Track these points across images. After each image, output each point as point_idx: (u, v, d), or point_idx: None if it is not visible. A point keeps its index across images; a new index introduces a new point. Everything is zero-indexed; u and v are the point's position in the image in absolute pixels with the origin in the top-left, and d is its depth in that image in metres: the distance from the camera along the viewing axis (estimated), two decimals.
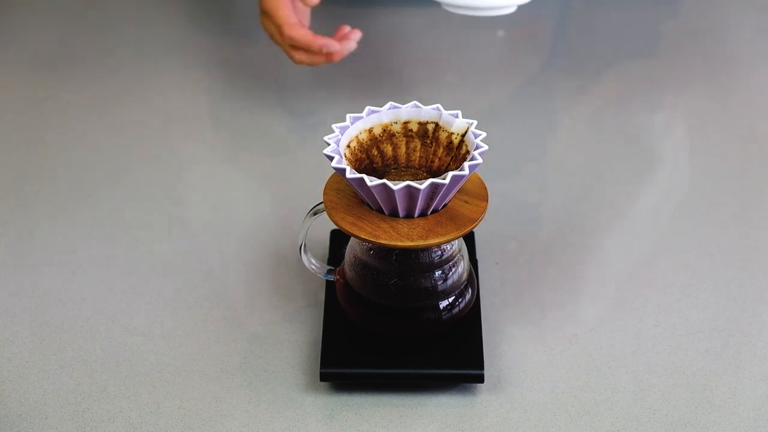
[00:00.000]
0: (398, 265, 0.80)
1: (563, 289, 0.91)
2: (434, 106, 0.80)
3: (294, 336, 0.86)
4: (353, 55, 1.21)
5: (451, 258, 0.81)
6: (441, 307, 0.81)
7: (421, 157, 0.80)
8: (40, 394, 0.82)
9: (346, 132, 0.78)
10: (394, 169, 0.81)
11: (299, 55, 1.04)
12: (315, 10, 1.14)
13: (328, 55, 1.03)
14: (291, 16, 1.03)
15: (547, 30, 1.27)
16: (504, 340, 0.85)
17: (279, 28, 1.02)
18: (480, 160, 0.75)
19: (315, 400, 0.81)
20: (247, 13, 1.28)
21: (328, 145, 0.76)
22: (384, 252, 0.79)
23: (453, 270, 0.81)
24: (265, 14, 1.05)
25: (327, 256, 0.90)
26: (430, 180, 0.73)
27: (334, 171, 0.80)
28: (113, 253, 0.94)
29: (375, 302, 0.81)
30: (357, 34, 1.04)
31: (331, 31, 1.06)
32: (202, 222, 0.98)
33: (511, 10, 0.98)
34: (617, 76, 1.18)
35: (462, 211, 0.77)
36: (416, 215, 0.76)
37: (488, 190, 0.79)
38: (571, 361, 0.84)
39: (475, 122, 0.79)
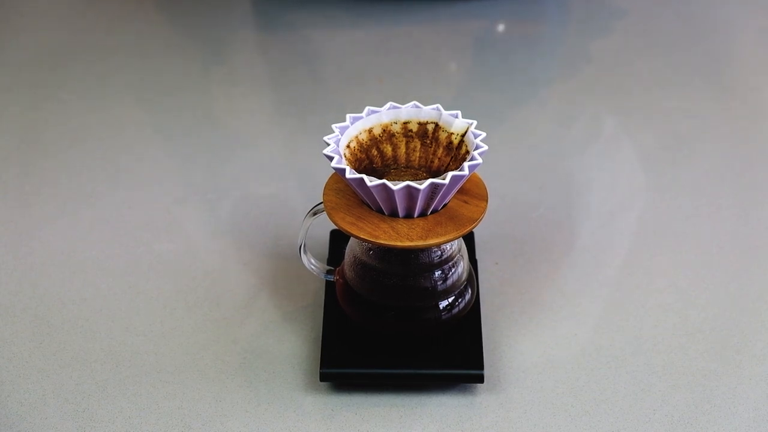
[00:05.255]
0: (398, 266, 0.80)
1: (563, 289, 0.91)
2: (434, 106, 0.80)
3: (294, 336, 0.86)
4: (353, 55, 1.21)
5: (450, 258, 0.81)
6: (441, 307, 0.81)
7: (420, 157, 0.80)
8: (40, 394, 0.82)
9: (346, 132, 0.78)
10: (393, 169, 0.81)
11: None
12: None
13: None
14: None
15: (547, 27, 1.27)
16: (504, 340, 0.85)
17: None
18: (480, 160, 0.75)
19: (315, 400, 0.81)
20: (247, 13, 1.28)
21: (328, 145, 0.76)
22: (383, 252, 0.79)
23: (453, 270, 0.81)
24: None
25: (327, 256, 0.90)
26: (430, 180, 0.73)
27: (334, 171, 0.80)
28: (113, 253, 0.94)
29: (375, 302, 0.81)
30: None
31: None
32: (202, 222, 0.98)
33: None
34: (617, 76, 1.18)
35: (462, 211, 0.77)
36: (416, 215, 0.76)
37: (488, 190, 0.79)
38: (571, 361, 0.84)
39: (475, 122, 0.79)
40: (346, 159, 0.77)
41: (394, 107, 0.80)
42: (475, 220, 0.77)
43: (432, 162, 0.80)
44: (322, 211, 0.80)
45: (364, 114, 0.80)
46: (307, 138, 1.08)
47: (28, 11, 1.29)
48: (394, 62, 1.20)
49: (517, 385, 0.82)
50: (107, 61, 1.20)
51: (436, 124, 0.80)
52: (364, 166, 0.79)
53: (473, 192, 0.79)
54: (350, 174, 0.74)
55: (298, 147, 1.08)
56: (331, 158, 0.75)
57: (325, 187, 0.80)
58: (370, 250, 0.80)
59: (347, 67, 1.14)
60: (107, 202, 1.00)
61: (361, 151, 0.79)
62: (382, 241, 0.75)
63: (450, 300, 0.81)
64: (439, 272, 0.80)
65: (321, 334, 0.83)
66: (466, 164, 0.74)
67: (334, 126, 0.78)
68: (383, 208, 0.76)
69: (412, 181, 0.74)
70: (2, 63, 1.21)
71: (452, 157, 0.79)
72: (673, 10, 1.20)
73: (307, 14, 1.27)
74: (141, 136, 1.09)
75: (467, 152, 0.78)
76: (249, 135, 1.10)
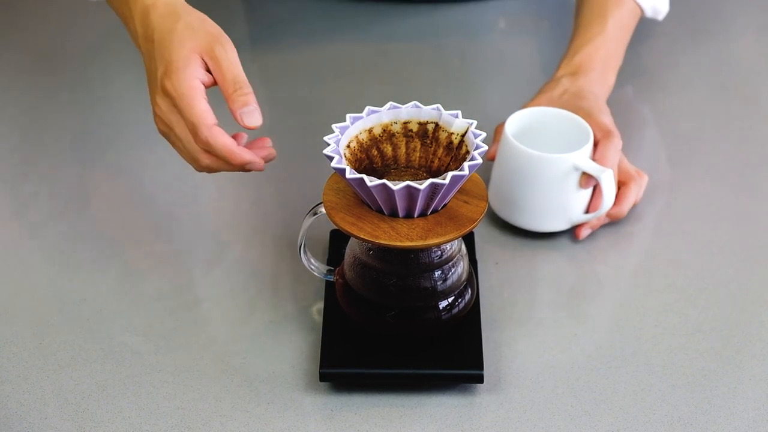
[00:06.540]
0: (398, 265, 0.80)
1: (563, 289, 0.91)
2: (434, 106, 0.80)
3: (294, 336, 0.86)
4: (353, 55, 1.21)
5: (450, 258, 0.81)
6: (441, 307, 0.81)
7: (420, 157, 0.80)
8: (40, 394, 0.82)
9: (346, 132, 0.78)
10: (394, 169, 0.81)
11: (206, 161, 0.82)
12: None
13: (246, 167, 0.83)
14: (210, 114, 0.81)
15: (547, 27, 1.27)
16: (504, 340, 0.85)
17: (193, 127, 0.80)
18: (480, 160, 0.75)
19: (315, 400, 0.81)
20: (246, 13, 1.28)
21: (328, 145, 0.76)
22: (383, 252, 0.79)
23: (453, 270, 0.81)
24: (168, 97, 0.82)
25: (327, 256, 0.90)
26: (430, 180, 0.73)
27: (334, 171, 0.80)
28: (113, 253, 0.94)
29: (375, 302, 0.81)
30: (269, 141, 0.86)
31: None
32: (201, 222, 0.98)
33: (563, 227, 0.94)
34: (617, 76, 1.18)
35: (462, 211, 0.77)
36: (416, 215, 0.76)
37: (488, 191, 0.79)
38: (571, 361, 0.84)
39: (475, 122, 0.79)
40: (346, 159, 0.77)
41: (394, 107, 0.80)
42: (475, 220, 0.77)
43: (432, 162, 0.80)
44: (322, 211, 0.80)
45: (364, 114, 0.80)
46: (307, 138, 1.08)
47: (28, 11, 1.29)
48: (394, 62, 1.20)
49: (517, 385, 0.82)
50: (107, 61, 1.20)
51: (436, 124, 0.80)
52: (364, 166, 0.79)
53: (473, 192, 0.79)
54: (350, 174, 0.74)
55: (297, 147, 1.08)
56: (331, 158, 0.75)
57: (325, 187, 0.80)
58: (370, 250, 0.80)
59: (347, 67, 1.14)
60: (107, 202, 1.00)
61: (361, 151, 0.79)
62: (382, 241, 0.75)
63: (450, 300, 0.81)
64: (439, 272, 0.80)
65: (321, 334, 0.83)
66: (466, 164, 0.74)
67: (334, 126, 0.78)
68: (383, 208, 0.76)
69: (412, 181, 0.74)
70: (2, 63, 1.21)
71: (452, 157, 0.79)
72: (673, 9, 1.20)
73: (307, 15, 1.27)
74: (141, 136, 1.09)
75: (467, 152, 0.78)
76: (248, 135, 1.09)
